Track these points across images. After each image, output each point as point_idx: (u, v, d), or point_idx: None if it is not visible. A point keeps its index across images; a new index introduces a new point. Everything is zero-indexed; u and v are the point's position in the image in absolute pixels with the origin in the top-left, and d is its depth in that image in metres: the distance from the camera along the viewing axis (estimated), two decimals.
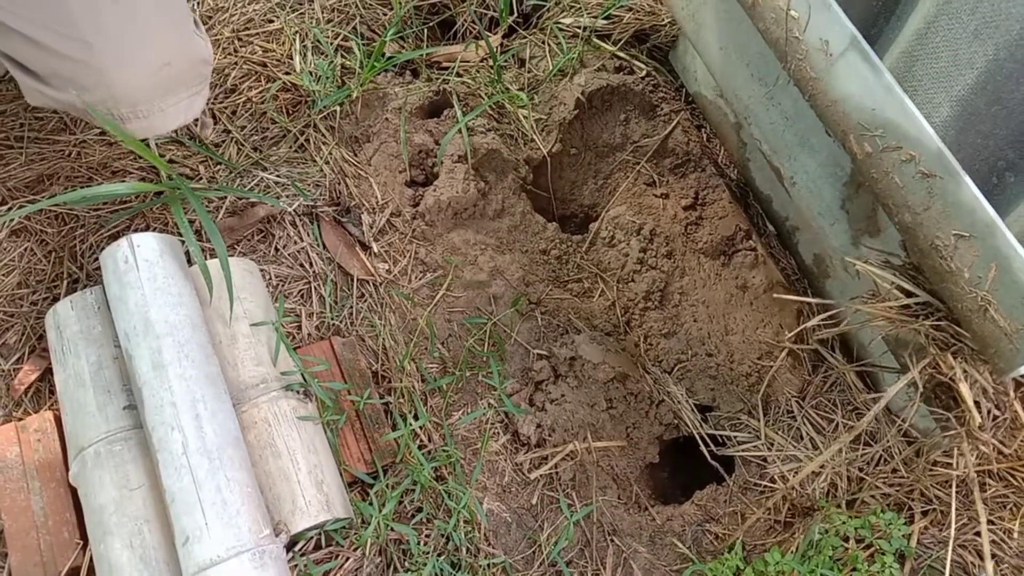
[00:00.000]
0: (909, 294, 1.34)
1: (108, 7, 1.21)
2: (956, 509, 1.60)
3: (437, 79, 1.87)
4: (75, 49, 1.20)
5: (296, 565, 1.35)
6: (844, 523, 1.52)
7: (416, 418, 1.50)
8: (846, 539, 1.54)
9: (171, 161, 1.68)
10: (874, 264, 1.40)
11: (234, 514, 1.20)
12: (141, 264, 1.34)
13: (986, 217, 1.21)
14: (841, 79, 1.40)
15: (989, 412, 1.38)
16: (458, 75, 1.89)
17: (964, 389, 1.31)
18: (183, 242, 1.47)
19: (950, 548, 1.53)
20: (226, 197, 1.64)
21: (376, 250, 1.67)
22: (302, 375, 1.41)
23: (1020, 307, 1.18)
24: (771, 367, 1.65)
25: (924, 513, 1.59)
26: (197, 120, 1.62)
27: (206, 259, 1.40)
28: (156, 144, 1.68)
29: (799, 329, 1.61)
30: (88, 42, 1.20)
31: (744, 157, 1.89)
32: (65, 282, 1.54)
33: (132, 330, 1.30)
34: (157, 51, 1.27)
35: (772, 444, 1.61)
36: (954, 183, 1.25)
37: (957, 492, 1.61)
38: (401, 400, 1.54)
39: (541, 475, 1.54)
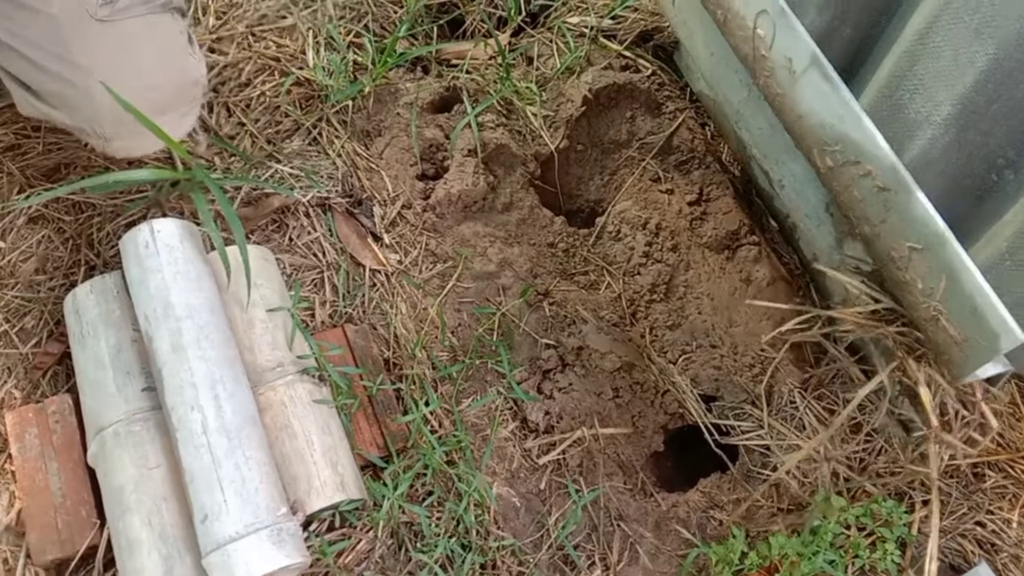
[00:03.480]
0: (877, 300, 1.40)
1: (96, 30, 1.26)
2: (955, 498, 1.64)
3: (447, 75, 1.90)
4: (66, 70, 1.25)
5: (311, 545, 1.37)
6: (845, 510, 1.55)
7: (427, 404, 1.53)
8: (847, 527, 1.57)
9: (188, 153, 1.71)
10: (846, 270, 1.45)
11: (252, 492, 1.22)
12: (162, 249, 1.37)
13: (937, 230, 1.26)
14: (805, 95, 1.44)
15: (957, 412, 1.43)
16: (467, 72, 1.92)
17: (924, 393, 1.38)
18: (202, 230, 1.50)
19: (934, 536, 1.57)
20: (241, 188, 1.67)
21: (388, 241, 1.70)
22: (316, 360, 1.44)
23: (968, 318, 1.23)
24: (774, 358, 1.68)
25: (924, 502, 1.62)
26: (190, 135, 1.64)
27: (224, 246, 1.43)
28: None
29: (773, 334, 1.64)
30: (78, 64, 1.25)
31: (747, 155, 1.92)
32: (82, 269, 1.56)
33: (152, 313, 1.33)
34: (143, 75, 1.32)
35: (775, 433, 1.64)
36: (907, 197, 1.30)
37: (957, 483, 1.65)
38: (412, 387, 1.56)
39: (549, 461, 1.57)
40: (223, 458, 1.23)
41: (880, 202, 1.34)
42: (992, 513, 1.64)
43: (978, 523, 1.63)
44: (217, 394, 1.27)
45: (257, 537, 1.19)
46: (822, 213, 1.66)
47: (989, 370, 1.31)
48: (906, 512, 1.57)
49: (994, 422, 1.41)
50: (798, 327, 1.60)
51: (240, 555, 1.18)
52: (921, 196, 1.28)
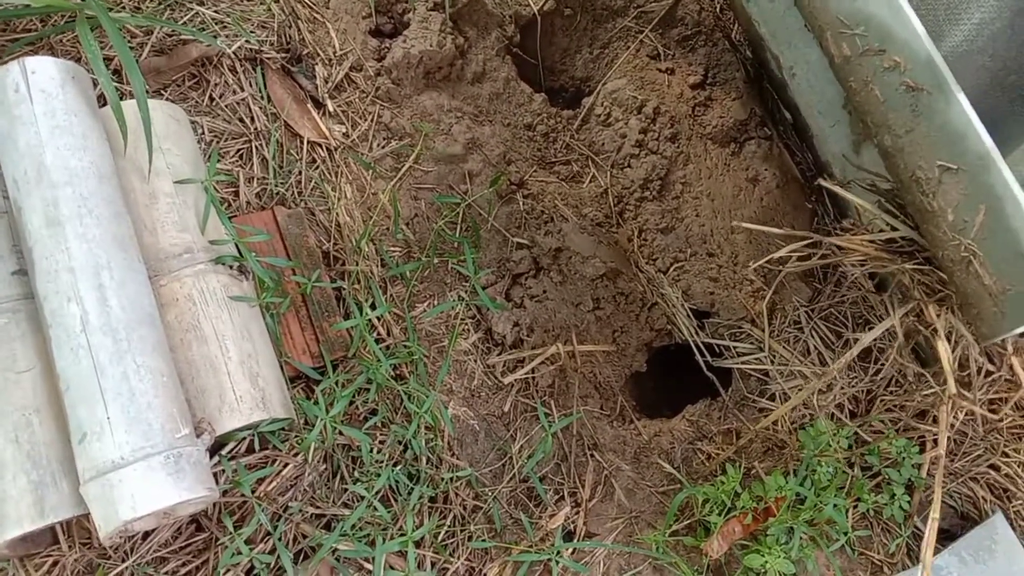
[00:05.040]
0: (893, 228, 1.16)
1: None
2: (970, 437, 1.46)
3: None
4: None
5: (223, 470, 1.13)
6: (849, 448, 1.36)
7: (373, 307, 1.28)
8: (850, 465, 1.38)
9: None
10: (857, 186, 1.20)
11: (144, 408, 0.97)
12: (36, 95, 1.07)
13: (979, 147, 1.01)
14: None
15: (980, 368, 1.24)
16: None
17: (943, 349, 1.15)
18: (95, 81, 1.19)
19: None
20: (152, 31, 1.35)
21: (332, 109, 1.40)
22: (236, 246, 1.17)
23: (1010, 263, 0.99)
24: (779, 271, 1.45)
25: (936, 441, 1.44)
26: None
27: (122, 100, 1.13)
28: None
29: (761, 262, 1.40)
30: None
31: (756, 33, 1.65)
32: None
33: (22, 176, 1.04)
34: None
35: (776, 357, 1.42)
36: (944, 100, 1.03)
37: (972, 420, 1.47)
38: (356, 286, 1.31)
39: (516, 380, 1.34)
40: (107, 364, 0.97)
41: (907, 106, 1.08)
42: (1008, 456, 1.46)
43: (992, 466, 1.46)
44: (102, 283, 1.00)
45: (147, 464, 0.94)
46: (838, 110, 1.41)
47: None
48: (917, 451, 1.38)
49: None
50: (794, 253, 1.37)
51: (125, 486, 0.93)
52: (963, 101, 1.03)
